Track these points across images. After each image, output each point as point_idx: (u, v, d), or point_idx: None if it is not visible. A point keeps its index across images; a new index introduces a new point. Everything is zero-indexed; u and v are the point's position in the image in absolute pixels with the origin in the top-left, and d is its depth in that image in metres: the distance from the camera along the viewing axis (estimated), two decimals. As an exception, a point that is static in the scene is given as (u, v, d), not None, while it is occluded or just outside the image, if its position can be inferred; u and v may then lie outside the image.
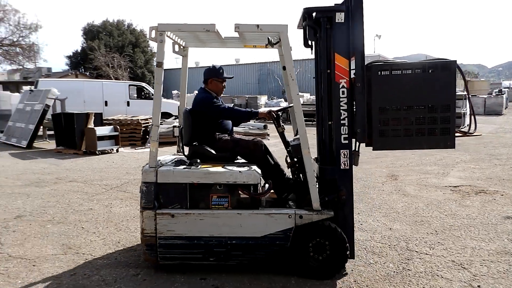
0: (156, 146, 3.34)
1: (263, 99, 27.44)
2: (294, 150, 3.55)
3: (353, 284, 3.27)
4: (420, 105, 3.35)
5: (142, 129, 12.42)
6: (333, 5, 3.38)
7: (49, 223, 4.85)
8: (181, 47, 4.07)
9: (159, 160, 3.65)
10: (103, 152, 10.54)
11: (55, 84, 13.59)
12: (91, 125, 10.74)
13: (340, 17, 3.33)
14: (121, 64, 31.76)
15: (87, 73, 31.98)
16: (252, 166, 3.50)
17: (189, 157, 3.68)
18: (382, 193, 6.11)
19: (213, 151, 3.65)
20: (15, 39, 28.94)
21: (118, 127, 11.20)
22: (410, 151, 9.88)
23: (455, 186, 6.46)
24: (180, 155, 3.95)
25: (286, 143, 3.66)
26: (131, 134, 12.43)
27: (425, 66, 3.33)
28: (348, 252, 3.34)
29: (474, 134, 3.78)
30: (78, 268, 3.59)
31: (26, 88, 18.39)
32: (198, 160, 3.53)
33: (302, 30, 3.52)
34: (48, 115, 12.31)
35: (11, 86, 30.36)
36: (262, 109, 3.89)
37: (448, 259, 3.71)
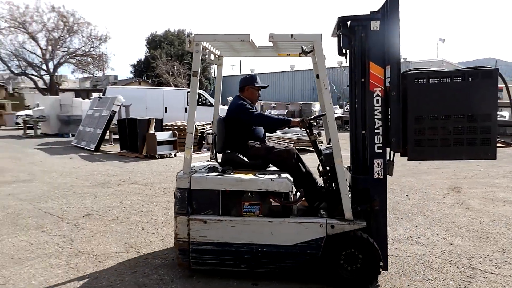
0: (190, 153, 3.42)
1: (317, 106, 26.94)
2: (326, 159, 3.53)
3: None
4: (459, 114, 3.24)
5: (199, 134, 12.82)
6: (369, 13, 3.35)
7: (113, 223, 5.17)
8: (216, 56, 4.16)
9: (193, 167, 3.74)
10: (162, 156, 11.06)
11: (120, 92, 14.43)
12: (152, 130, 11.31)
13: (375, 25, 3.30)
14: (181, 71, 32.85)
15: (149, 81, 33.61)
16: (283, 174, 3.51)
17: (222, 164, 3.74)
18: (443, 206, 5.83)
19: (245, 159, 3.69)
20: (87, 50, 31.30)
21: (176, 132, 11.66)
22: (475, 162, 9.52)
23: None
24: (213, 162, 4.02)
25: (318, 151, 3.65)
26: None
27: (464, 74, 3.23)
28: (381, 264, 3.27)
29: None
30: (139, 266, 3.78)
31: (95, 95, 19.93)
32: (231, 167, 3.58)
33: (336, 39, 3.51)
34: (114, 121, 13.06)
35: (82, 93, 33.02)
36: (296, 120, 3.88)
37: (518, 281, 3.52)
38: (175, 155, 11.36)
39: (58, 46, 30.66)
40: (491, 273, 3.63)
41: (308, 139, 3.79)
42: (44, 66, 30.42)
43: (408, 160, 3.35)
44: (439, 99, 3.24)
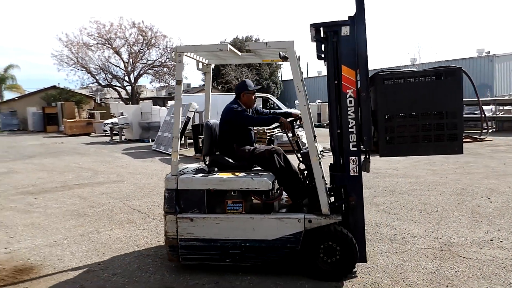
0: (177, 156, 3.67)
1: None
2: (304, 157, 3.73)
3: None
4: (426, 112, 3.42)
5: (267, 137, 13.13)
6: (338, 20, 3.55)
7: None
8: (204, 64, 4.41)
9: (186, 168, 3.99)
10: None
11: (194, 99, 15.04)
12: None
13: (345, 30, 3.50)
14: (249, 77, 33.50)
15: (219, 87, 34.57)
16: (266, 173, 3.72)
17: (209, 166, 3.97)
18: None
19: (231, 160, 3.92)
20: (163, 61, 32.97)
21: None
22: None
23: None
24: (202, 164, 4.26)
25: (297, 150, 3.85)
26: (257, 142, 13.08)
27: (428, 73, 3.42)
28: (357, 256, 3.46)
29: (486, 139, 3.69)
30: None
31: (171, 102, 21.28)
32: (216, 169, 3.81)
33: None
34: (189, 126, 13.63)
35: (159, 101, 34.92)
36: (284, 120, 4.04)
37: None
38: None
39: (138, 59, 32.89)
40: None
41: (288, 139, 3.98)
42: (126, 78, 32.80)
43: (380, 157, 3.53)
44: (407, 98, 3.42)
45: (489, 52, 31.71)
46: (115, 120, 21.56)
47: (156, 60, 33.32)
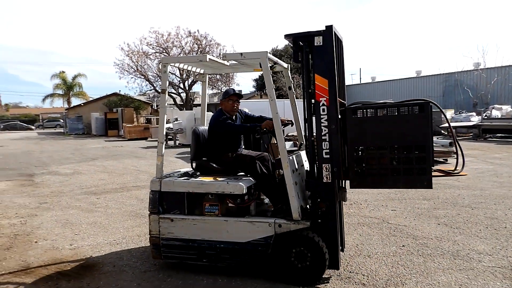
0: (161, 160, 3.94)
1: (448, 114, 24.10)
2: (278, 164, 3.84)
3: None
4: (395, 145, 3.45)
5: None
6: (311, 30, 3.63)
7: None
8: (200, 74, 4.66)
9: (174, 172, 4.26)
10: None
11: (245, 105, 15.53)
12: (274, 141, 11.97)
13: (318, 40, 3.58)
14: (300, 83, 34.25)
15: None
16: (244, 178, 3.87)
17: (195, 170, 4.20)
18: None
19: (215, 165, 4.12)
20: None
21: (297, 142, 12.21)
22: None
23: None
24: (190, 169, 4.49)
25: (274, 157, 3.96)
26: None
27: (399, 106, 3.44)
28: (327, 262, 3.50)
29: (460, 174, 3.54)
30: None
31: None
32: (198, 173, 4.03)
33: None
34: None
35: (211, 107, 36.69)
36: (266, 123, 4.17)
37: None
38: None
39: None
40: None
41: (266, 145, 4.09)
42: (181, 85, 34.37)
43: (350, 188, 3.59)
44: (376, 131, 3.48)
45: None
46: (170, 125, 22.31)
47: None
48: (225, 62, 4.18)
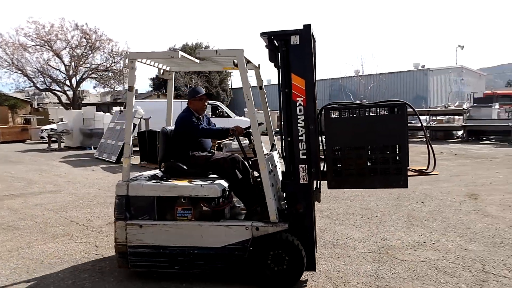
0: (128, 162, 3.68)
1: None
2: (254, 165, 3.74)
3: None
4: (372, 145, 3.49)
5: (216, 145, 12.94)
6: (288, 29, 3.57)
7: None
8: (166, 71, 4.44)
9: (142, 175, 4.00)
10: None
11: (141, 105, 14.75)
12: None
13: (295, 39, 3.53)
14: (198, 84, 33.06)
15: (167, 94, 34.40)
16: (218, 181, 3.72)
17: (164, 172, 3.98)
18: (459, 213, 5.82)
19: (185, 167, 3.92)
20: (108, 65, 31.96)
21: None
22: (495, 169, 9.61)
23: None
24: (158, 171, 4.26)
25: (247, 158, 3.86)
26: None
27: (375, 107, 3.48)
28: (305, 264, 3.45)
29: (432, 173, 3.72)
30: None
31: (116, 108, 20.64)
32: (168, 175, 3.82)
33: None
34: (134, 133, 13.45)
35: (103, 107, 33.76)
36: (237, 127, 4.06)
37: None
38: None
39: (81, 62, 31.57)
40: (504, 277, 3.69)
41: (239, 146, 3.97)
42: (67, 82, 31.45)
43: (328, 189, 3.60)
44: (354, 131, 3.50)
45: (424, 66, 34.20)
46: (54, 126, 20.51)
47: (100, 64, 31.79)
48: (196, 60, 4.01)
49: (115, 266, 3.88)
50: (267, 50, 3.67)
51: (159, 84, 40.56)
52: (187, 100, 4.25)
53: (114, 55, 31.34)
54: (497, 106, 19.39)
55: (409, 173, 3.53)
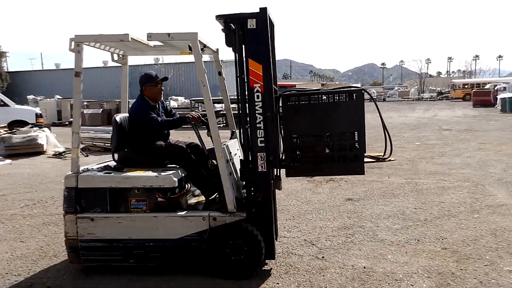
0: (77, 153, 3.48)
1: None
2: (211, 154, 3.63)
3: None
4: (329, 132, 3.45)
5: None
6: (244, 12, 3.44)
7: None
8: (120, 56, 4.20)
9: (92, 166, 3.80)
10: None
11: None
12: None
13: (252, 23, 3.40)
14: None
15: None
16: (174, 170, 3.59)
17: (118, 162, 3.80)
18: None
19: (140, 157, 3.75)
20: None
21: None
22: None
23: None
24: (111, 161, 4.06)
25: (204, 147, 3.75)
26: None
27: (331, 94, 3.43)
28: (263, 254, 3.40)
29: (390, 159, 3.73)
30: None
31: None
32: (122, 166, 3.65)
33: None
34: None
35: None
36: (193, 114, 3.91)
37: (301, 239, 4.33)
38: None
39: None
40: (284, 237, 4.38)
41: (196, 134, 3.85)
42: None
43: (286, 177, 3.55)
44: (311, 119, 3.44)
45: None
46: None
47: None
48: (150, 43, 3.80)
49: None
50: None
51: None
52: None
53: None
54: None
55: (366, 160, 3.53)
